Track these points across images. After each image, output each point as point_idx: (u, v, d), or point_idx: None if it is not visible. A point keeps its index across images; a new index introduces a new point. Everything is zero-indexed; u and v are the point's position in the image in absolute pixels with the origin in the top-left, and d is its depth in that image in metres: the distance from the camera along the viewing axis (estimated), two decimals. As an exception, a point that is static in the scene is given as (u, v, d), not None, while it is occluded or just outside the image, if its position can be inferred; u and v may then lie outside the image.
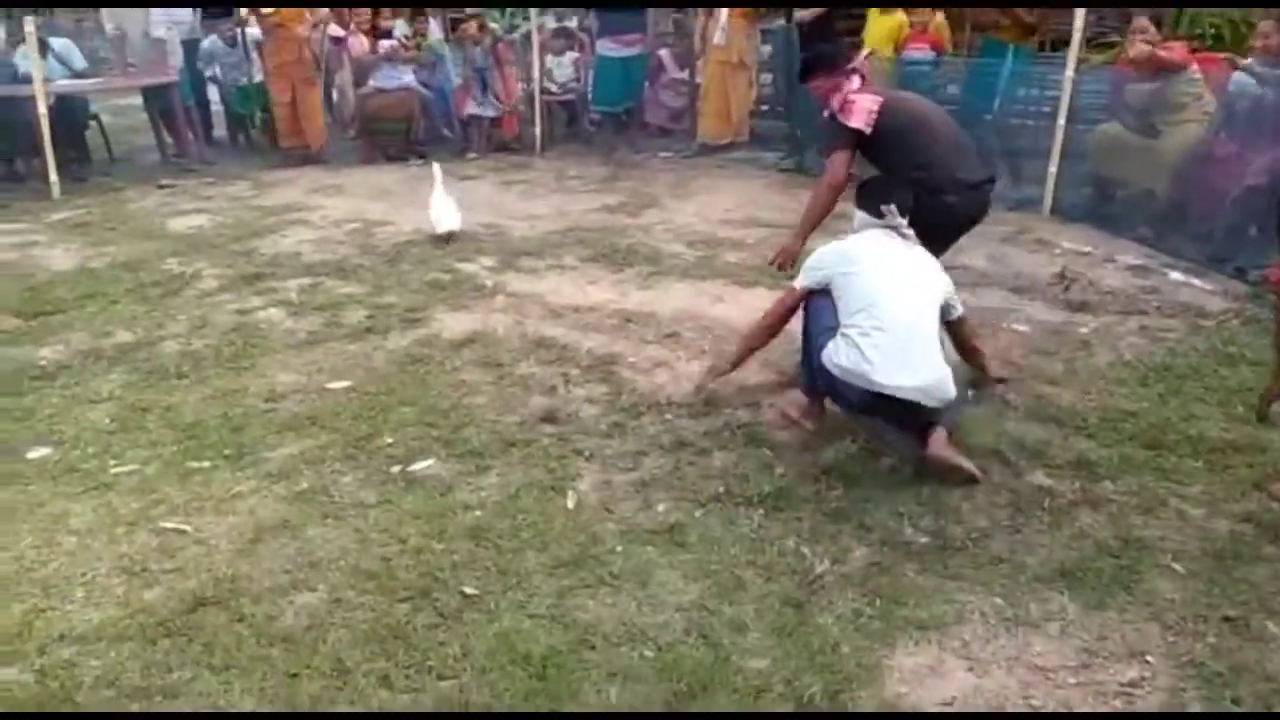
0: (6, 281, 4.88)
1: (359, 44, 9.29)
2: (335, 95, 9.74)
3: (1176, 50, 5.76)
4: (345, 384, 3.87)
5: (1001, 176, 7.06)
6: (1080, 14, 6.19)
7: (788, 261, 3.76)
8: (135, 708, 2.19)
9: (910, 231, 3.25)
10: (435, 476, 3.16)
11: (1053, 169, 6.38)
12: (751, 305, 4.32)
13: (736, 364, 3.62)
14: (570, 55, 9.38)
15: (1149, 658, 2.32)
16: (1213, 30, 7.95)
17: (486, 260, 5.56)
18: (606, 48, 9.18)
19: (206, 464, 3.27)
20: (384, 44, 8.95)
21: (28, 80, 7.31)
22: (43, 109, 7.11)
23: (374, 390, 3.81)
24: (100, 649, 2.38)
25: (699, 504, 2.98)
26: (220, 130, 9.69)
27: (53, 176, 7.34)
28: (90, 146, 8.58)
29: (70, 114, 8.02)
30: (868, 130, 3.55)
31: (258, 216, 6.74)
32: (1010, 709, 2.19)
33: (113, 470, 3.25)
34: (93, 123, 8.65)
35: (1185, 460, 3.19)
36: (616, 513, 2.94)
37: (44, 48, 7.64)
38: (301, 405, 3.71)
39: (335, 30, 9.20)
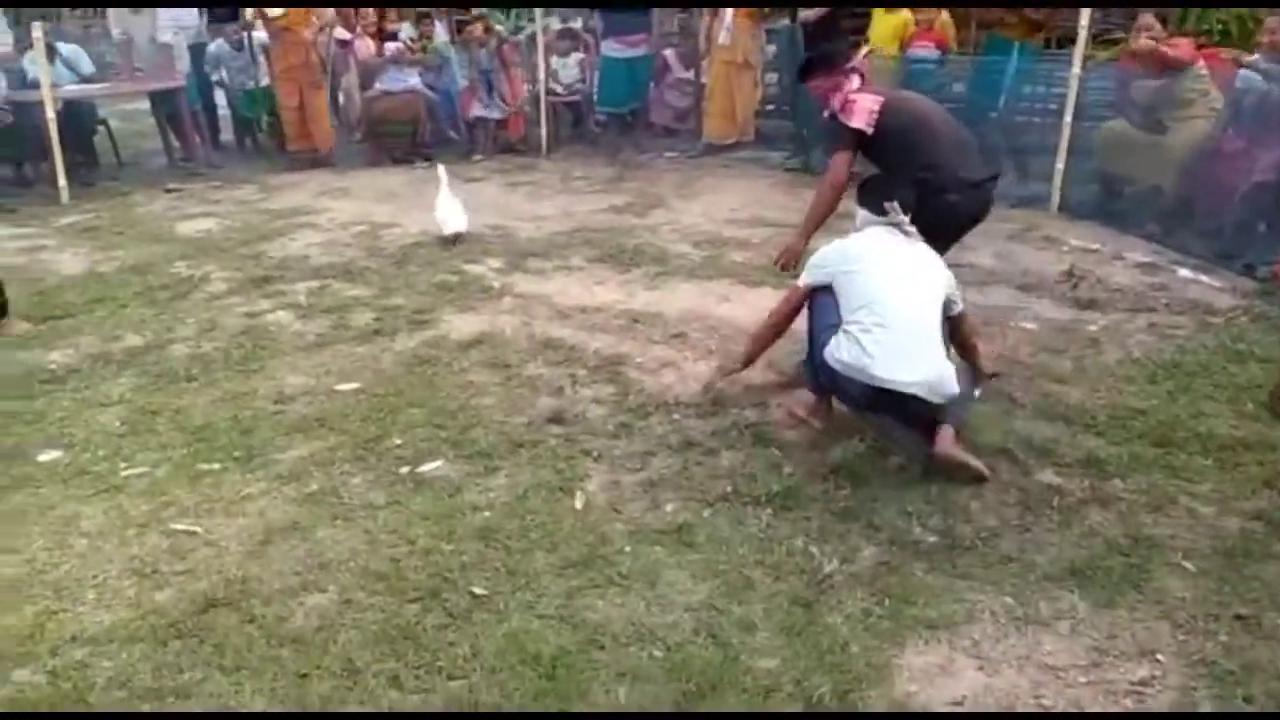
0: (16, 286, 4.90)
1: (365, 47, 9.30)
2: (341, 98, 9.76)
3: (1183, 47, 5.75)
4: (354, 386, 3.89)
5: (1008, 174, 7.07)
6: (1086, 11, 6.18)
7: (791, 261, 3.76)
8: (147, 708, 2.21)
9: (913, 229, 3.25)
10: (444, 478, 3.17)
11: (1060, 166, 6.38)
12: (758, 305, 4.31)
13: (746, 363, 3.62)
14: (575, 56, 9.39)
15: (1160, 656, 2.32)
16: (1220, 26, 7.92)
17: (493, 262, 5.56)
18: (611, 48, 9.19)
19: (216, 466, 3.29)
20: (390, 47, 8.97)
21: (36, 86, 7.34)
22: (51, 114, 7.14)
23: (382, 392, 3.82)
24: (112, 650, 2.39)
25: (707, 504, 2.98)
26: (227, 134, 9.72)
27: (61, 181, 7.37)
28: (98, 151, 8.60)
29: (78, 119, 8.05)
30: (869, 130, 3.54)
31: (265, 220, 6.76)
32: (1020, 708, 2.19)
33: (123, 473, 3.26)
34: (100, 128, 8.67)
35: (1195, 458, 3.18)
36: (625, 513, 2.94)
37: (52, 53, 7.68)
38: (310, 407, 3.72)
39: (341, 33, 9.22)
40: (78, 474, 3.26)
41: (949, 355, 3.15)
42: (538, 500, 3.02)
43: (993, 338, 4.21)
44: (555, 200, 7.22)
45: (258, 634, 2.43)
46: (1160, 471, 3.11)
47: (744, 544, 2.77)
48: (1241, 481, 3.05)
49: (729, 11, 8.35)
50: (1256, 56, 5.69)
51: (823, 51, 4.03)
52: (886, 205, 3.23)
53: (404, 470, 3.22)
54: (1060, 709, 2.18)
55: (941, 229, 3.43)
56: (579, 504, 3.00)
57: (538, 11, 9.19)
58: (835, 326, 3.11)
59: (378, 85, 8.80)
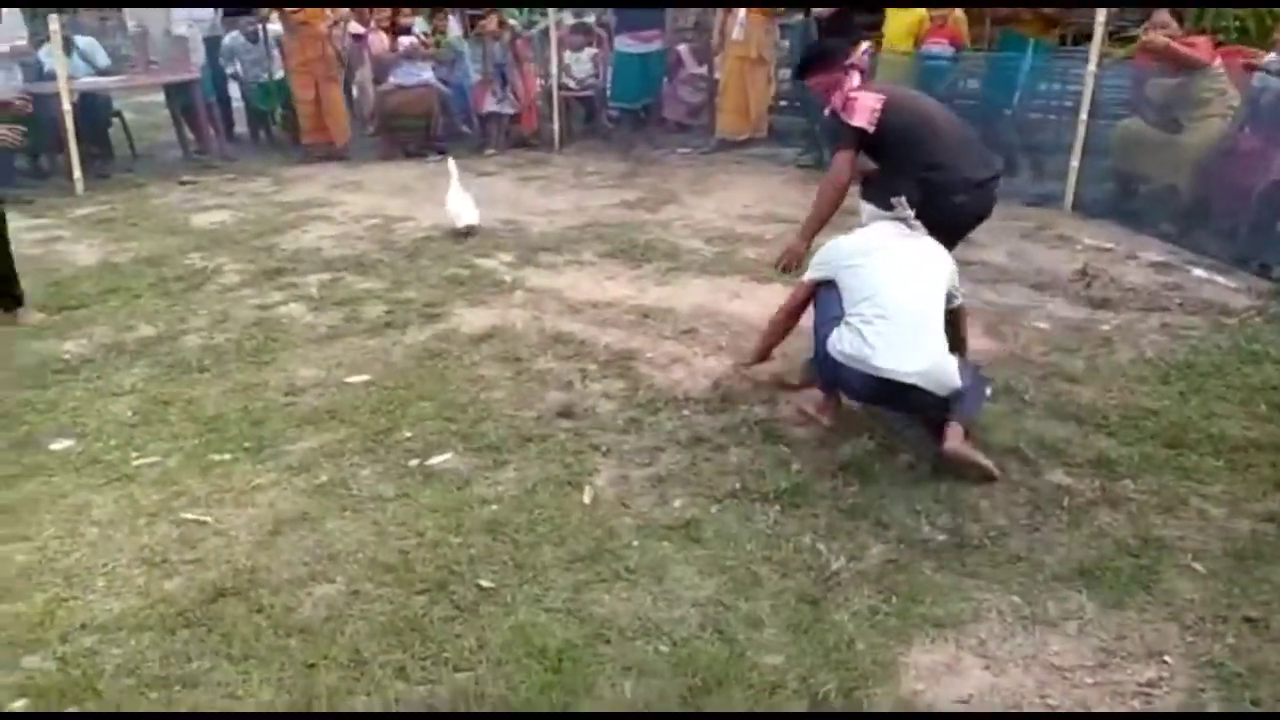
0: (31, 276, 4.93)
1: (379, 41, 9.32)
2: (355, 92, 9.78)
3: (1201, 46, 5.70)
4: (364, 378, 3.90)
5: (1022, 171, 7.07)
6: (1103, 9, 6.13)
7: (793, 263, 3.74)
8: (155, 696, 2.22)
9: (918, 223, 3.26)
10: (453, 470, 3.18)
11: (1074, 164, 6.34)
12: (769, 301, 4.30)
13: (759, 359, 3.65)
14: (589, 51, 9.37)
15: (1167, 658, 2.30)
16: (1237, 23, 7.85)
17: (505, 256, 5.57)
18: (625, 44, 9.18)
19: (227, 456, 3.30)
20: (403, 41, 8.98)
21: (52, 78, 7.39)
22: (67, 106, 7.19)
23: (393, 385, 3.83)
24: (121, 638, 2.41)
25: (715, 500, 2.98)
26: (241, 127, 9.75)
27: (76, 173, 7.41)
28: (113, 143, 8.66)
29: (94, 111, 8.10)
30: (871, 129, 3.49)
31: (278, 212, 6.79)
32: (1027, 708, 2.18)
33: (134, 462, 3.29)
34: (116, 120, 8.73)
35: (1206, 459, 3.16)
36: (633, 508, 2.95)
37: (69, 46, 7.72)
38: (321, 399, 3.73)
39: (355, 27, 9.24)
40: (90, 463, 3.29)
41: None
42: (546, 494, 3.02)
43: (1005, 336, 4.20)
44: (567, 195, 7.22)
45: (266, 624, 2.44)
46: (1171, 473, 3.09)
47: (751, 540, 2.76)
48: (1253, 483, 3.03)
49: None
50: (1271, 56, 5.64)
51: (821, 48, 3.99)
52: (893, 200, 3.23)
53: (413, 463, 3.23)
54: (1067, 709, 2.17)
55: (947, 228, 3.41)
56: (587, 498, 3.00)
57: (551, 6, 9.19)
58: (838, 319, 3.13)
59: (391, 79, 8.81)
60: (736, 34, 8.40)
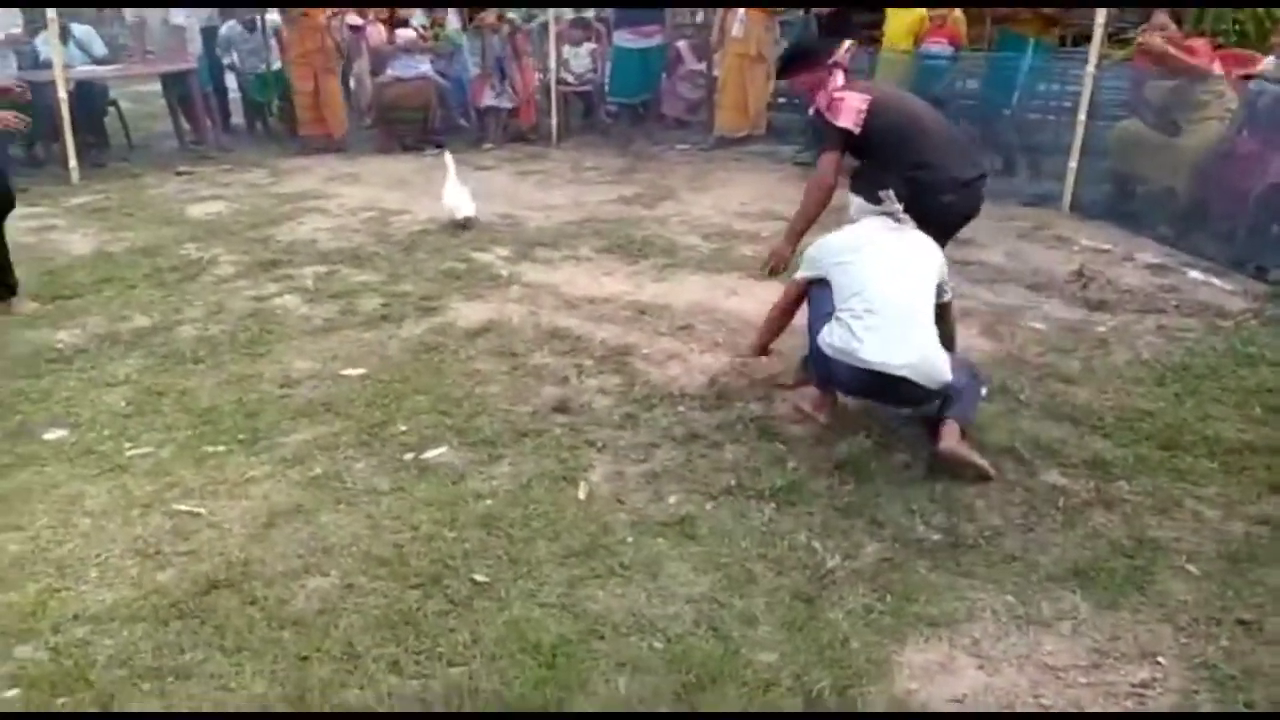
0: (25, 265, 4.91)
1: (377, 33, 9.29)
2: (353, 84, 9.76)
3: (1200, 49, 5.70)
4: (360, 371, 3.89)
5: (1020, 172, 7.08)
6: (1102, 9, 6.13)
7: (780, 265, 3.74)
8: (147, 687, 2.21)
9: (906, 216, 3.26)
10: (448, 464, 3.17)
11: (1072, 165, 6.34)
12: (765, 298, 4.28)
13: (758, 352, 3.69)
14: (587, 46, 9.35)
15: (1161, 659, 2.31)
16: (1236, 26, 7.86)
17: (502, 250, 5.56)
18: (624, 39, 9.17)
19: (221, 448, 3.29)
20: (401, 33, 8.95)
21: (48, 66, 7.35)
22: (63, 94, 7.15)
23: (388, 378, 3.82)
24: (113, 629, 2.40)
25: (710, 497, 2.97)
26: (238, 118, 9.72)
27: (72, 162, 7.38)
28: (109, 132, 8.63)
29: (90, 100, 8.06)
30: (857, 130, 3.45)
31: (275, 204, 6.77)
32: (1020, 708, 2.18)
33: (128, 453, 3.27)
34: (111, 109, 8.69)
35: (1201, 461, 3.17)
36: (628, 504, 2.94)
37: (65, 34, 7.68)
38: (316, 391, 3.72)
39: (353, 19, 9.21)
40: (83, 453, 3.27)
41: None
42: (541, 489, 3.02)
43: (1001, 336, 4.20)
44: (565, 190, 7.21)
45: (259, 616, 2.43)
46: (1166, 474, 3.10)
47: (746, 537, 2.76)
48: (1247, 486, 3.03)
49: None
50: (1269, 61, 5.64)
51: (803, 46, 3.97)
52: (880, 194, 3.24)
53: (408, 456, 3.22)
54: (1060, 709, 2.17)
55: (935, 227, 3.38)
56: (582, 494, 3.00)
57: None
58: (830, 315, 3.15)
59: (389, 71, 8.79)
60: (736, 31, 8.39)
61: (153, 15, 9.17)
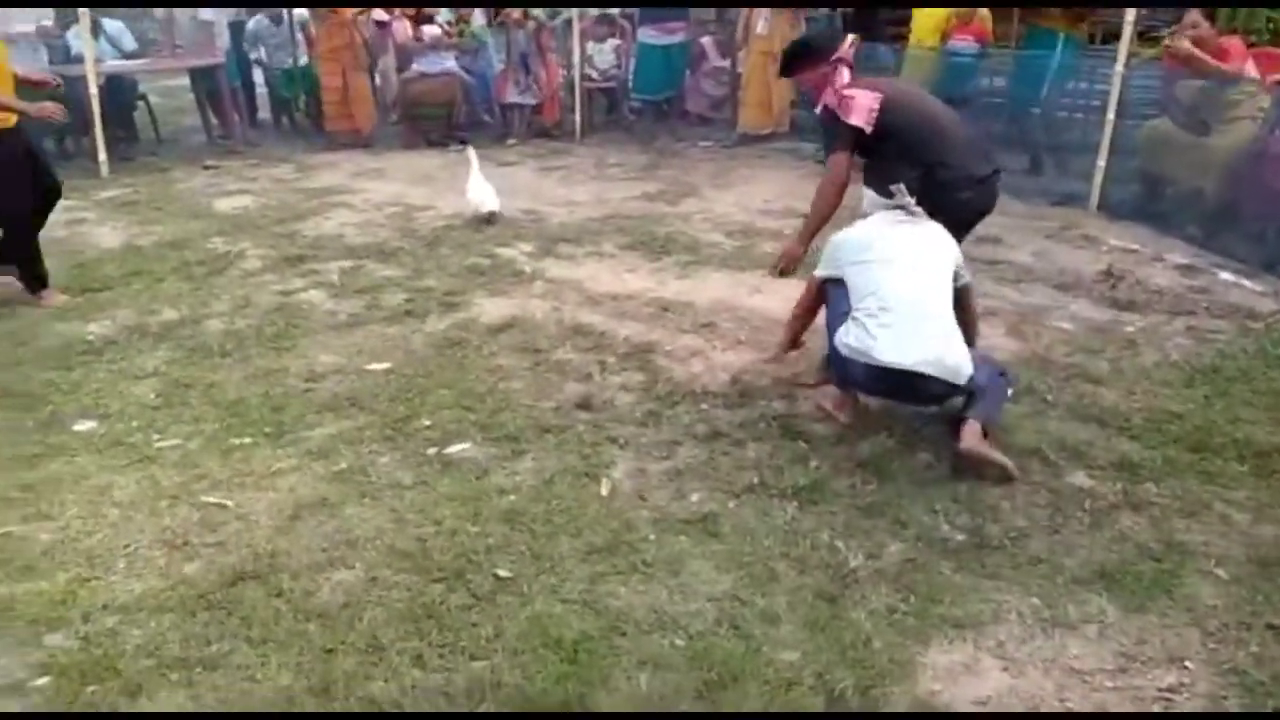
0: (55, 258, 4.98)
1: (402, 29, 9.33)
2: (378, 79, 9.79)
3: (1234, 49, 5.62)
4: (384, 366, 3.91)
5: (1048, 171, 7.01)
6: (1131, 8, 6.06)
7: (791, 266, 3.71)
8: (175, 678, 2.23)
9: (919, 209, 3.24)
10: (471, 459, 3.19)
11: (1101, 164, 6.27)
12: (789, 295, 4.26)
13: (787, 349, 3.71)
14: (611, 42, 9.36)
15: (1188, 664, 2.28)
16: (1270, 25, 7.75)
17: (525, 246, 5.57)
18: (648, 35, 9.16)
19: (247, 441, 3.32)
20: (427, 29, 8.99)
21: (80, 60, 7.43)
22: (94, 89, 7.23)
23: (412, 373, 3.84)
24: (141, 619, 2.43)
25: (733, 495, 2.97)
26: (265, 113, 9.80)
27: (101, 155, 7.47)
28: (138, 126, 8.72)
29: (119, 94, 8.16)
30: (869, 129, 3.39)
31: (301, 199, 6.82)
32: (1045, 710, 2.16)
33: (156, 445, 3.31)
34: (141, 103, 8.79)
35: (1231, 464, 3.13)
36: (650, 501, 2.94)
37: (97, 29, 7.77)
38: (341, 386, 3.75)
39: (379, 15, 9.25)
40: (112, 444, 3.31)
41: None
42: (564, 485, 3.02)
43: (1028, 336, 4.16)
44: (588, 186, 7.22)
45: (285, 608, 2.46)
46: (1195, 477, 3.06)
47: (769, 536, 2.75)
48: (1277, 489, 2.99)
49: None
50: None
51: (806, 42, 3.91)
52: (893, 188, 3.22)
53: (432, 451, 3.24)
54: (1086, 713, 2.15)
55: (951, 224, 3.33)
56: (605, 490, 3.00)
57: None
58: (846, 314, 3.14)
59: (414, 67, 8.83)
60: (761, 28, 8.37)
61: (182, 10, 9.26)
